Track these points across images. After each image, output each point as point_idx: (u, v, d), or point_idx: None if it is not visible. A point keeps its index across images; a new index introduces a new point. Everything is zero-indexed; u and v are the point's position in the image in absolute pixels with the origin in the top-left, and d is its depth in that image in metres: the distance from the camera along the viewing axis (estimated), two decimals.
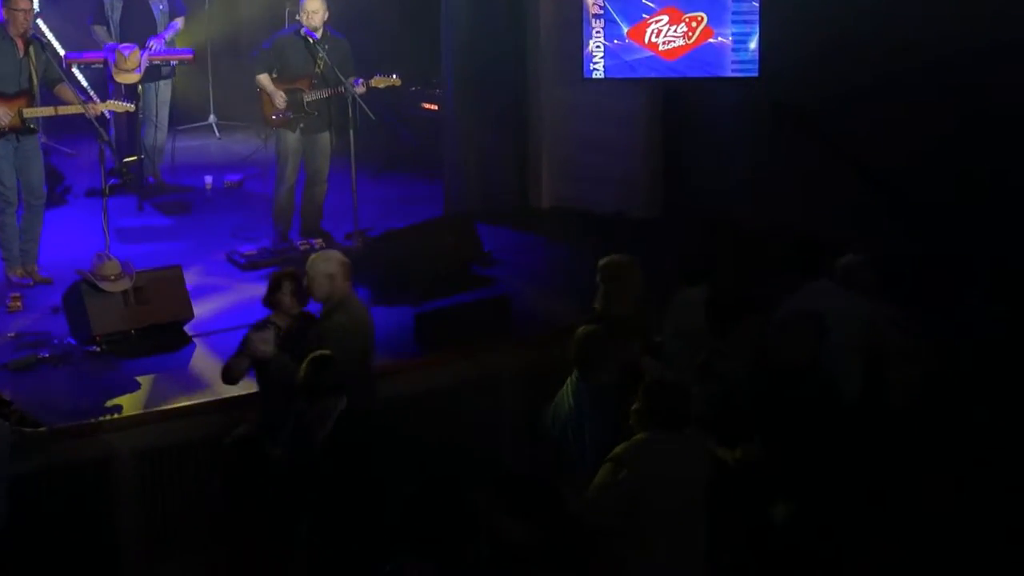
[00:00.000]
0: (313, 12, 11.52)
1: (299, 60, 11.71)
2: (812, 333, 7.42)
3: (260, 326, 8.09)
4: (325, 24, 11.64)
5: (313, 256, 8.23)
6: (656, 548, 6.61)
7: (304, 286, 8.18)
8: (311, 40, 11.54)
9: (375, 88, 11.81)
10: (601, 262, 8.36)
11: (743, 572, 7.36)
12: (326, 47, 11.59)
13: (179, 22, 13.48)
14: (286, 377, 7.73)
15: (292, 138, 11.81)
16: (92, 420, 8.71)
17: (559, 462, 7.37)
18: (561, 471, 7.31)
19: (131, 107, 11.77)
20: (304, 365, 7.23)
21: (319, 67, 11.64)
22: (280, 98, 11.63)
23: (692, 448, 6.78)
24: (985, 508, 7.82)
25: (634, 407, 6.73)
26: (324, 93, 11.69)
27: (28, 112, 10.69)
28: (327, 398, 7.21)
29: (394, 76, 11.90)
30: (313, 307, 8.36)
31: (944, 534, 7.64)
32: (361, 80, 11.66)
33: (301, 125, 11.76)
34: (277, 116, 11.73)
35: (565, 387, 7.43)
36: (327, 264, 8.02)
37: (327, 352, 7.31)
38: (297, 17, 11.68)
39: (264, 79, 11.73)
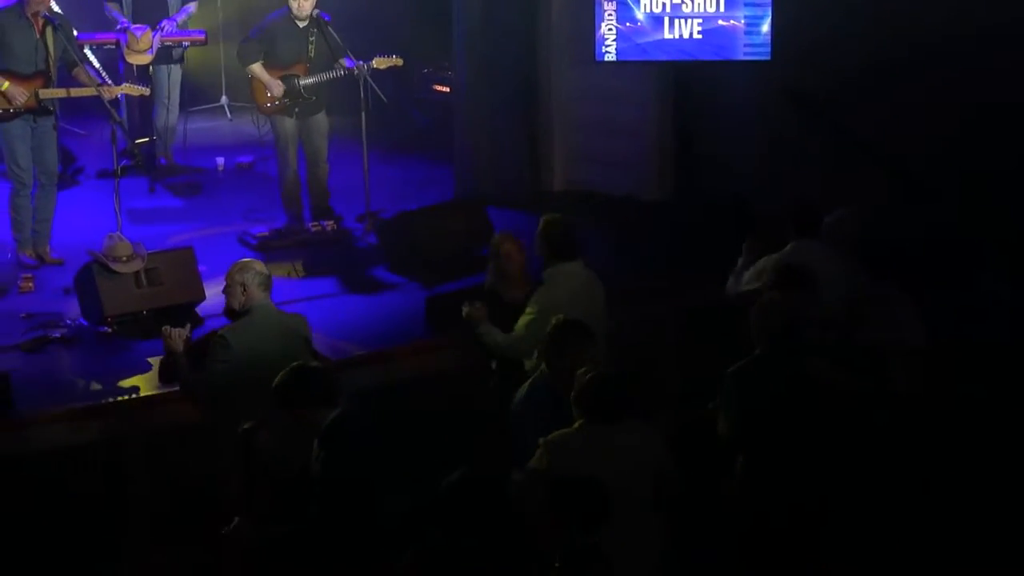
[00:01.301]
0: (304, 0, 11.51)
1: (291, 45, 11.66)
2: (765, 318, 7.34)
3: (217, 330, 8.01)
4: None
5: (233, 265, 8.03)
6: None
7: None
8: (314, 19, 11.51)
9: (377, 69, 11.76)
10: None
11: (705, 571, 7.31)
12: (314, 30, 11.58)
13: (193, 6, 13.46)
14: (179, 380, 7.78)
15: (289, 123, 11.77)
16: (103, 401, 8.76)
17: (510, 448, 7.31)
18: (510, 457, 7.25)
19: (146, 91, 11.78)
20: (282, 373, 6.89)
21: (311, 51, 11.62)
22: (277, 87, 11.58)
23: (629, 442, 6.59)
24: (989, 499, 7.78)
25: (572, 395, 6.65)
26: (321, 77, 11.68)
27: (44, 93, 10.70)
28: (305, 411, 6.84)
29: (394, 56, 11.87)
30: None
31: (939, 525, 7.59)
32: (359, 62, 11.57)
33: (296, 109, 11.75)
34: (272, 104, 11.70)
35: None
36: (240, 274, 7.83)
37: (311, 363, 7.18)
38: (290, 3, 11.56)
39: (257, 68, 11.63)
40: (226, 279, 7.90)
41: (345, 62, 11.56)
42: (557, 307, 7.73)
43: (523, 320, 8.08)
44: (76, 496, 8.12)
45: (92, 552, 8.00)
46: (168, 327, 7.89)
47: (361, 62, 11.60)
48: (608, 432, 6.56)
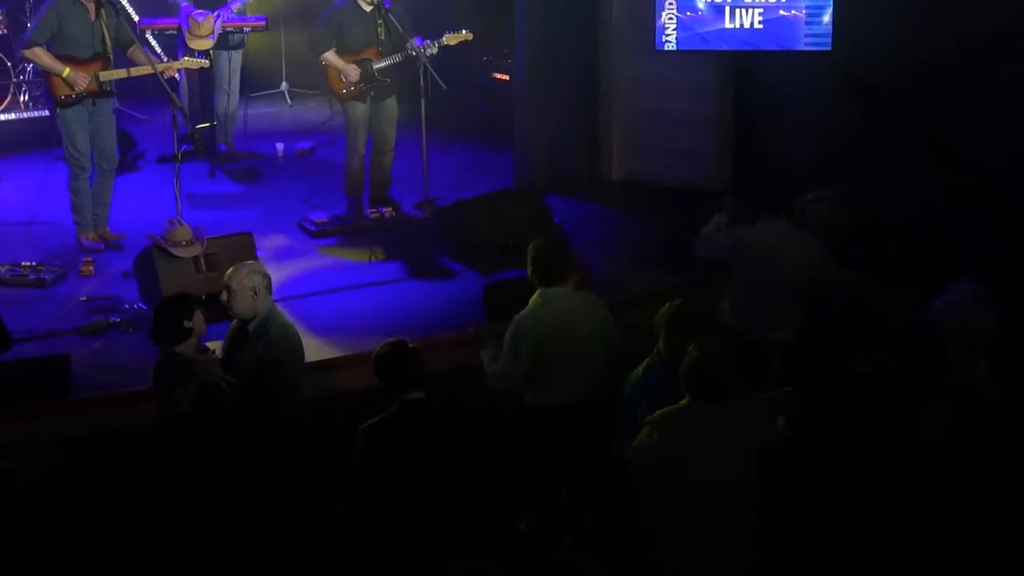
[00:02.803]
0: None
1: (360, 30, 11.66)
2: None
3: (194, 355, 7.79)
4: None
5: (233, 270, 7.93)
6: (697, 519, 6.59)
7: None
8: (375, 5, 11.53)
9: (447, 46, 11.76)
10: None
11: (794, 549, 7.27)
12: (382, 12, 11.58)
13: None
14: (231, 398, 7.64)
15: (361, 108, 11.79)
16: None
17: (616, 426, 7.46)
18: (616, 434, 7.39)
19: (205, 63, 11.87)
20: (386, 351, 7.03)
21: (380, 34, 11.62)
22: (353, 71, 11.61)
23: (734, 419, 6.69)
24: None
25: (680, 373, 6.74)
26: (394, 59, 11.68)
27: (104, 75, 10.77)
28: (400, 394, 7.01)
29: (464, 31, 11.83)
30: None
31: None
32: (429, 41, 11.60)
33: (371, 94, 11.77)
34: (348, 90, 11.73)
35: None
36: (251, 278, 7.78)
37: (403, 344, 7.17)
38: None
39: (331, 56, 11.66)
40: (232, 285, 7.78)
41: (415, 41, 11.55)
42: (538, 333, 7.68)
43: (503, 353, 7.85)
44: (134, 479, 8.15)
45: (146, 536, 8.04)
46: (197, 356, 7.74)
47: (430, 40, 11.61)
48: (714, 410, 6.67)
